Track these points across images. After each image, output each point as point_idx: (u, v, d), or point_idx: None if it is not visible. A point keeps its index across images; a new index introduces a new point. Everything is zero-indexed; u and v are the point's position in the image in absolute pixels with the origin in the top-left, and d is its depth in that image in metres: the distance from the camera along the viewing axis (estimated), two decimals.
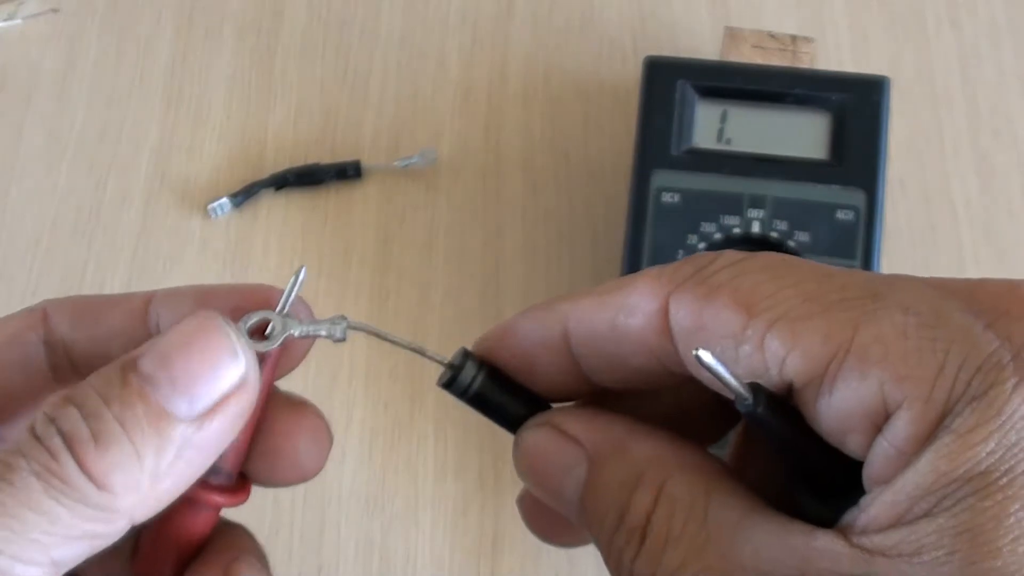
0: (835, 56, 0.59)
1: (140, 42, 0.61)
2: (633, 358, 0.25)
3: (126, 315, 0.27)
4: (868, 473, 0.22)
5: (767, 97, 0.51)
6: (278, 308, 0.26)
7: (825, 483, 0.24)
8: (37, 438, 0.23)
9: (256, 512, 0.30)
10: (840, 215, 0.48)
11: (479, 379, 0.27)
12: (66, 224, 0.57)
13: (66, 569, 0.23)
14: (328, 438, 0.27)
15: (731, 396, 0.23)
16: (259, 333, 0.26)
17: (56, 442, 0.23)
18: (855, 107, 0.50)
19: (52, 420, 0.23)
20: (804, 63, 0.54)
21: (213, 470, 0.26)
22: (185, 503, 0.26)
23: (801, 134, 0.50)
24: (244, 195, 0.56)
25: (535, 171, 0.57)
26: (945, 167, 0.57)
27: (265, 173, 0.57)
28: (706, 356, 0.22)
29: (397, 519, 0.51)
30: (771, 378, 0.23)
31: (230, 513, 0.30)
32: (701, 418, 0.28)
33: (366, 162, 0.57)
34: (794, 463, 0.25)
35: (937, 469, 0.21)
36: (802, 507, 0.24)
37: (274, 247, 0.56)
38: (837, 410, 0.22)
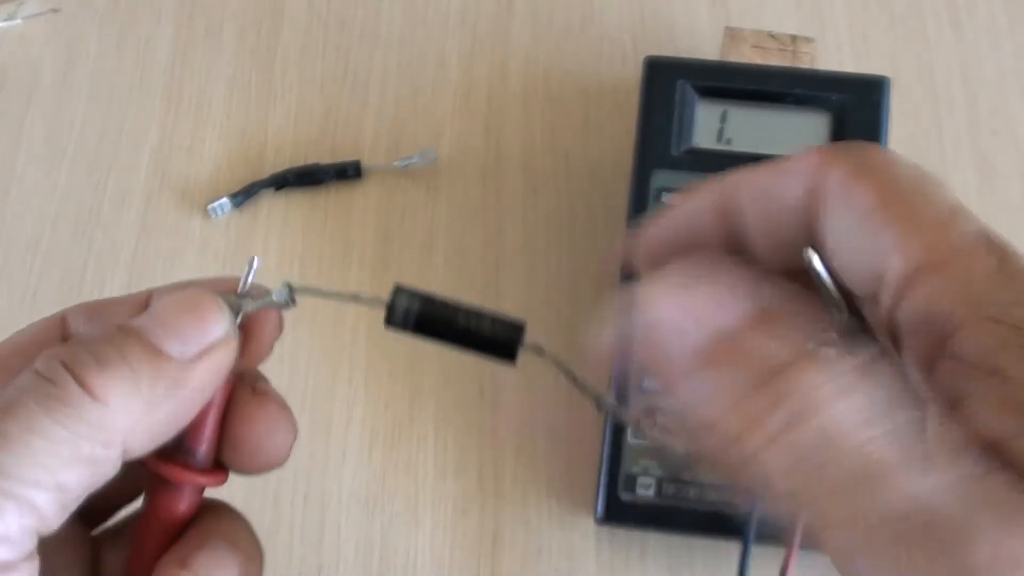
0: (835, 56, 0.59)
1: (140, 42, 0.61)
2: (787, 228, 0.27)
3: (132, 308, 0.29)
4: None
5: (767, 97, 0.51)
6: (238, 291, 0.29)
7: None
8: (38, 372, 0.25)
9: (256, 512, 0.31)
10: None
11: (416, 305, 0.29)
12: (66, 224, 0.57)
13: (71, 496, 0.25)
14: (291, 428, 0.30)
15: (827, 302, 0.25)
16: None
17: (58, 371, 0.25)
18: (855, 107, 0.50)
19: (54, 355, 0.25)
20: (804, 63, 0.54)
21: (190, 453, 0.28)
22: (166, 486, 0.28)
23: (801, 134, 0.50)
24: (244, 195, 0.56)
25: (535, 171, 0.57)
26: (945, 167, 0.57)
27: (265, 173, 0.57)
28: (814, 258, 0.25)
29: (397, 519, 0.51)
30: (870, 265, 0.24)
31: (239, 505, 0.31)
32: None
33: (366, 162, 0.57)
34: None
35: None
36: None
37: (274, 247, 0.56)
38: (911, 313, 0.24)
